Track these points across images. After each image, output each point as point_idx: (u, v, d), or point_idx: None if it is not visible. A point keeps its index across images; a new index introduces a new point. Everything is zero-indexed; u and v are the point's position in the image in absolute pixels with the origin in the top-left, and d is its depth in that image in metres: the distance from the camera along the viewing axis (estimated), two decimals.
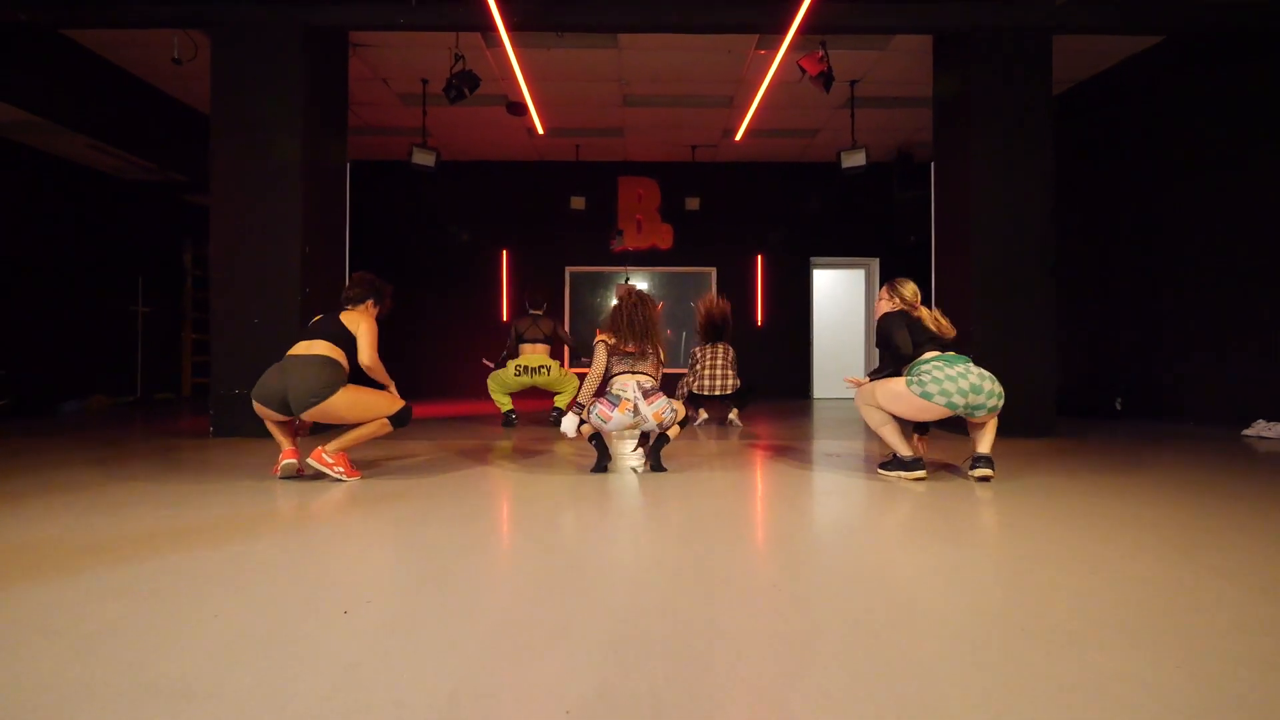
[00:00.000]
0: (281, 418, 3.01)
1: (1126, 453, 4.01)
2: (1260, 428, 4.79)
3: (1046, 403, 4.80)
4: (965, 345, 4.69)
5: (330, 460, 2.99)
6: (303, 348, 3.03)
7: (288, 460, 3.02)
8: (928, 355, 3.02)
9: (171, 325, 8.87)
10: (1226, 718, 1.04)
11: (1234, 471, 3.35)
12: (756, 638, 1.34)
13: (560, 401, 5.55)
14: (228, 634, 1.34)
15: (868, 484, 3.02)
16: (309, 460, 3.01)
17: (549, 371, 5.43)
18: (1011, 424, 4.61)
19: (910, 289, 3.25)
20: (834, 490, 2.92)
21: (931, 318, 3.12)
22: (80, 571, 1.73)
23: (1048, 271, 4.80)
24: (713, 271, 9.24)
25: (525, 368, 5.42)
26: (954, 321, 3.15)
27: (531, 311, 5.68)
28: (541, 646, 1.29)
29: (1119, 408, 6.26)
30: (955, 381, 2.90)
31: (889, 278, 3.42)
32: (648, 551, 2.01)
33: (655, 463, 3.31)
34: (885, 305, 3.27)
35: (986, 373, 2.98)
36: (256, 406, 2.98)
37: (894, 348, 3.08)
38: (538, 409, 6.86)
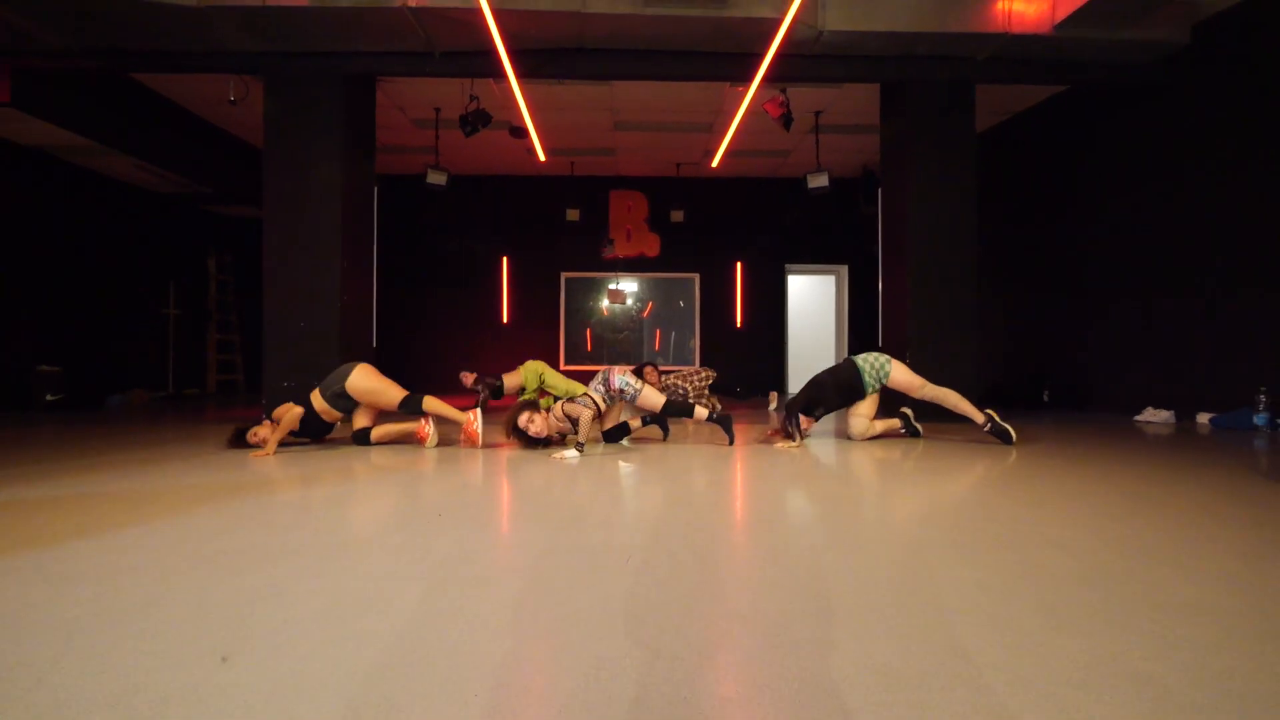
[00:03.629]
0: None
1: (1021, 432, 4.91)
2: (1148, 414, 5.73)
3: (968, 389, 5.69)
4: (903, 341, 5.61)
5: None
6: None
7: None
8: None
9: (197, 326, 9.62)
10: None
11: (1068, 439, 4.26)
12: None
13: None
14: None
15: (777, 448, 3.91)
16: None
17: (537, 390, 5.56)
18: (939, 409, 5.52)
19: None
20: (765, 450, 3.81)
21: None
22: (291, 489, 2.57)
23: (969, 278, 5.71)
24: (696, 277, 10.11)
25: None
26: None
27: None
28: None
29: (1045, 399, 7.20)
30: None
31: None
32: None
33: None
34: None
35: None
36: None
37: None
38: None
